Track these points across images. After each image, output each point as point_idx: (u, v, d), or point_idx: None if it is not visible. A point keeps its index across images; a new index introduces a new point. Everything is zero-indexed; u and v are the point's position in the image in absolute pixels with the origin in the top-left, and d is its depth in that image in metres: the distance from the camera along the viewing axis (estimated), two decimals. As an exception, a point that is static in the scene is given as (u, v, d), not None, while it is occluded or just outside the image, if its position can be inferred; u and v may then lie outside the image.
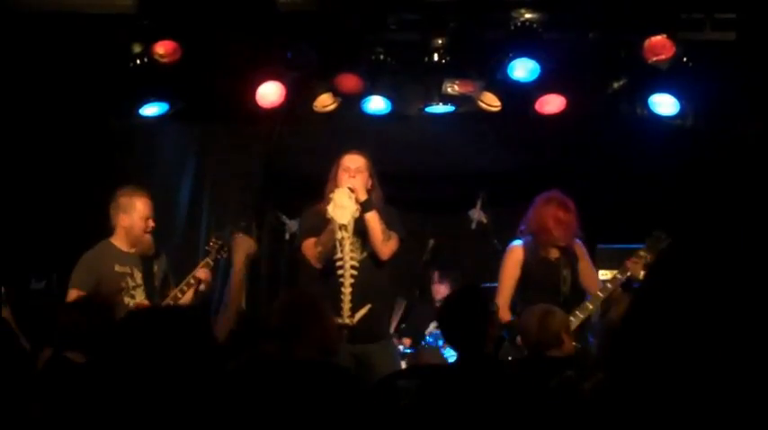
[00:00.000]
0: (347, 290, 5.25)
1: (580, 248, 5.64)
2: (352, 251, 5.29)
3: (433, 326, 7.16)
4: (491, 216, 6.74)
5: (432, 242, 7.37)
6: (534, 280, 5.54)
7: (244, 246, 5.02)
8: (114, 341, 1.99)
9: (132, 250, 5.40)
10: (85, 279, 5.22)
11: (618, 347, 2.01)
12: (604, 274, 6.02)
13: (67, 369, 3.68)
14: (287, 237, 6.94)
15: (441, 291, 7.51)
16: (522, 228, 5.63)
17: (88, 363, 3.50)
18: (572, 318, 5.21)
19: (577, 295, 5.50)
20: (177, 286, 5.44)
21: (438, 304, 7.42)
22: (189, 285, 5.40)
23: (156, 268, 5.47)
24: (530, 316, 4.59)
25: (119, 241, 5.39)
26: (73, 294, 5.16)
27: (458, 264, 7.78)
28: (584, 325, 5.34)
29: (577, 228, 5.57)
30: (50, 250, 6.28)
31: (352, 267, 5.29)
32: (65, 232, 6.31)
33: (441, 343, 6.79)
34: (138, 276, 5.35)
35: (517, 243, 5.62)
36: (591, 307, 5.39)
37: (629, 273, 5.38)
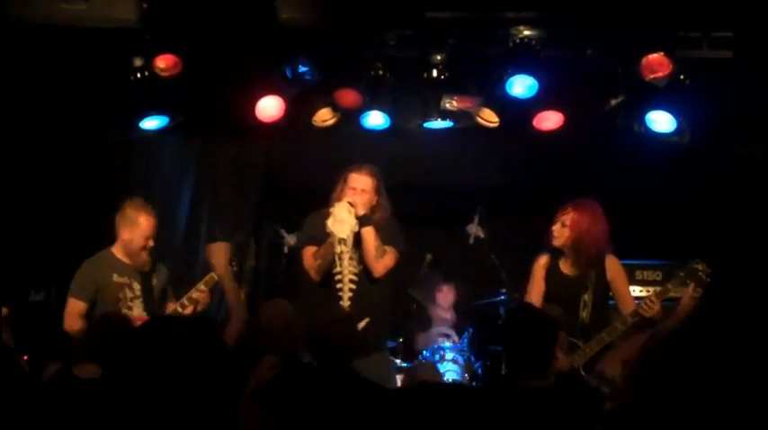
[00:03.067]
0: (346, 304, 5.28)
1: (614, 266, 5.14)
2: (350, 265, 5.33)
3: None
4: (488, 231, 6.74)
5: (429, 257, 7.38)
6: (550, 299, 5.08)
7: (218, 253, 4.98)
8: (132, 350, 2.00)
9: (130, 263, 5.38)
10: (85, 288, 5.22)
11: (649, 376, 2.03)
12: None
13: (75, 384, 3.66)
14: (285, 250, 6.94)
15: (448, 297, 7.45)
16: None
17: (103, 376, 3.47)
18: (587, 349, 4.86)
19: (600, 324, 5.04)
20: (178, 300, 5.37)
21: (444, 309, 7.40)
22: (190, 300, 5.27)
23: (154, 281, 5.43)
24: None
25: (119, 252, 5.37)
26: (72, 304, 5.17)
27: (455, 279, 7.79)
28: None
29: (602, 239, 5.06)
30: (49, 263, 6.30)
31: (351, 281, 5.33)
32: (64, 245, 6.33)
33: (437, 358, 6.76)
34: (137, 288, 5.32)
35: (546, 252, 5.21)
36: (607, 338, 4.89)
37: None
